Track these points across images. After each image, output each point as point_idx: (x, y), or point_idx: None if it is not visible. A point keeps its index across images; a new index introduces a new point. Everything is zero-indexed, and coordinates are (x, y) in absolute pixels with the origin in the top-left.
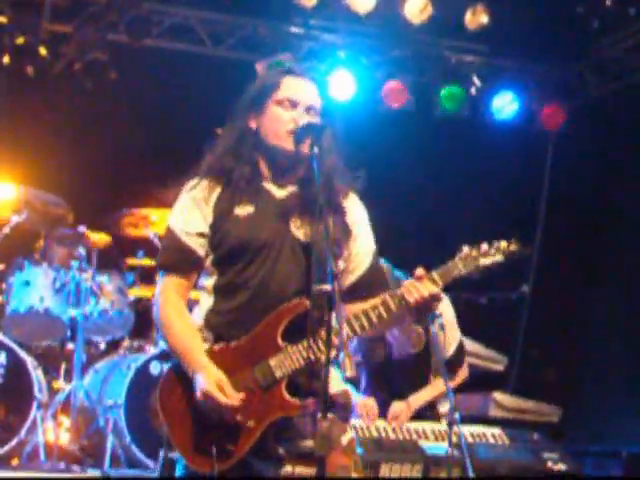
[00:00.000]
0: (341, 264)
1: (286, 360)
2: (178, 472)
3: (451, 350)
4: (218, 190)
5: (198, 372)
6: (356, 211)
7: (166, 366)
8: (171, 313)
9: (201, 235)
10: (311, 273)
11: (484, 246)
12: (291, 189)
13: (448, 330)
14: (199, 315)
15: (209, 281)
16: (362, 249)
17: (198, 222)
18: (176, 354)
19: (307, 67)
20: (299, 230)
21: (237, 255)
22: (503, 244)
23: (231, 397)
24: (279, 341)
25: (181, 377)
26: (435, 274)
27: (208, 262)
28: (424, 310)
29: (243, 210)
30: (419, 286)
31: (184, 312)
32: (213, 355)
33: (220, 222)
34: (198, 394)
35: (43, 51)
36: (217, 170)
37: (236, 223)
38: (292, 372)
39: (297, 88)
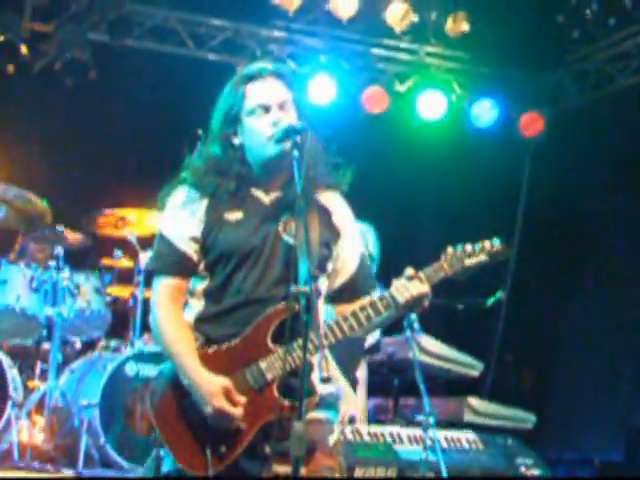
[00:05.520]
0: (330, 266)
1: (276, 362)
2: (166, 468)
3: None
4: (207, 198)
5: (199, 384)
6: (342, 212)
7: (144, 367)
8: (166, 320)
9: (194, 240)
10: (292, 275)
11: (468, 247)
12: (277, 194)
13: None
14: (190, 318)
15: (201, 286)
16: (349, 251)
17: (191, 228)
18: (172, 361)
19: (265, 66)
20: (288, 234)
21: (227, 259)
22: (487, 244)
23: (238, 404)
24: (269, 343)
25: (173, 380)
26: (422, 274)
27: (201, 267)
28: (413, 308)
29: (233, 215)
30: (409, 285)
31: (179, 318)
32: (206, 358)
33: (211, 228)
34: (209, 409)
35: (24, 49)
36: (203, 187)
37: (226, 228)
38: (282, 374)
39: (262, 91)
